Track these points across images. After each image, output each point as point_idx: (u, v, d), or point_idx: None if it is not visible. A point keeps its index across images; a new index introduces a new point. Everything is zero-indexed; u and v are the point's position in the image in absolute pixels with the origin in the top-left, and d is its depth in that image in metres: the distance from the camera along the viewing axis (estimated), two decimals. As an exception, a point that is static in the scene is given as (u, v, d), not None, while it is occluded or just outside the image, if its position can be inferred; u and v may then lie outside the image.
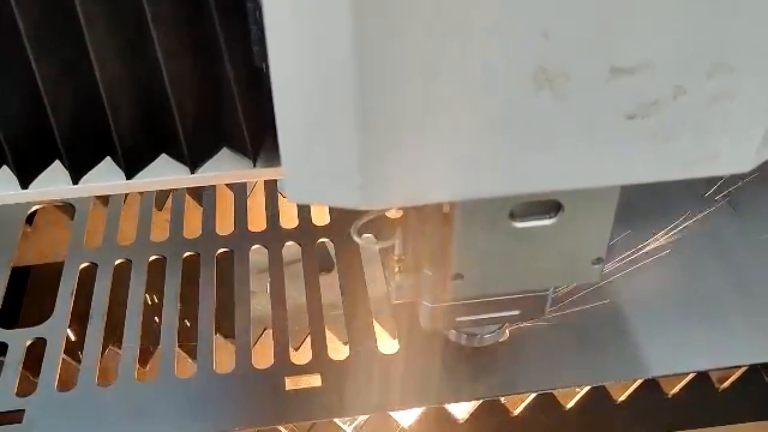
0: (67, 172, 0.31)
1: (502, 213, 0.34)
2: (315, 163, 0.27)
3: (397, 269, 0.42)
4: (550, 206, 0.35)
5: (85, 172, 0.31)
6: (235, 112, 0.29)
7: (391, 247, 0.42)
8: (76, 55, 0.27)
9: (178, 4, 0.27)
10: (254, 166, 0.31)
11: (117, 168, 0.31)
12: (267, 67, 0.25)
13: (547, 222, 0.35)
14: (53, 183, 0.31)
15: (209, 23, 0.27)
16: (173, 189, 0.62)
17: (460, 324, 0.46)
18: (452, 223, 0.34)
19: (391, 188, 0.28)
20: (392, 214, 0.42)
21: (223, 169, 0.31)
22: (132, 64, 0.28)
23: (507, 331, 0.49)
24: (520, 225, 0.35)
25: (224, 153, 0.32)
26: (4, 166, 0.31)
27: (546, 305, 0.44)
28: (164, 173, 0.31)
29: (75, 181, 0.31)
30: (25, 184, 0.31)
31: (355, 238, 0.43)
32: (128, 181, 0.31)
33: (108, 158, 0.31)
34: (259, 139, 0.30)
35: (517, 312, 0.43)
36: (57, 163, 0.31)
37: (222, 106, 0.30)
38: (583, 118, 0.27)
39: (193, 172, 0.31)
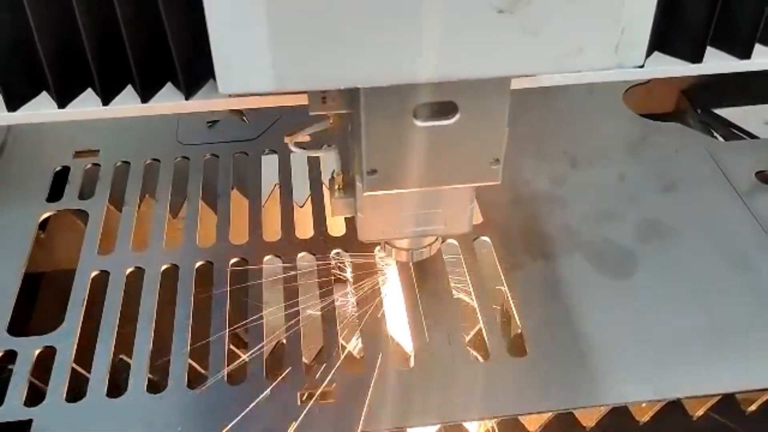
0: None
1: (405, 112, 0.37)
2: (237, 54, 0.31)
3: (337, 187, 0.47)
4: (449, 108, 0.38)
5: (112, 98, 0.38)
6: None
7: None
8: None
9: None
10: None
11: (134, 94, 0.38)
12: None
13: (445, 122, 0.38)
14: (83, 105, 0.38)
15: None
16: (186, 197, 0.62)
17: (391, 235, 0.49)
18: (361, 121, 0.38)
19: (298, 73, 0.31)
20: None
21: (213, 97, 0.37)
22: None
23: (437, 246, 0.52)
24: (421, 124, 0.38)
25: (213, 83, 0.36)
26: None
27: (468, 219, 0.47)
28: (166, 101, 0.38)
29: (105, 103, 0.37)
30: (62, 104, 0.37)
31: (291, 147, 0.47)
32: (143, 105, 0.38)
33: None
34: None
35: (442, 226, 0.47)
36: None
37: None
38: (457, 10, 0.30)
39: (187, 98, 0.37)
